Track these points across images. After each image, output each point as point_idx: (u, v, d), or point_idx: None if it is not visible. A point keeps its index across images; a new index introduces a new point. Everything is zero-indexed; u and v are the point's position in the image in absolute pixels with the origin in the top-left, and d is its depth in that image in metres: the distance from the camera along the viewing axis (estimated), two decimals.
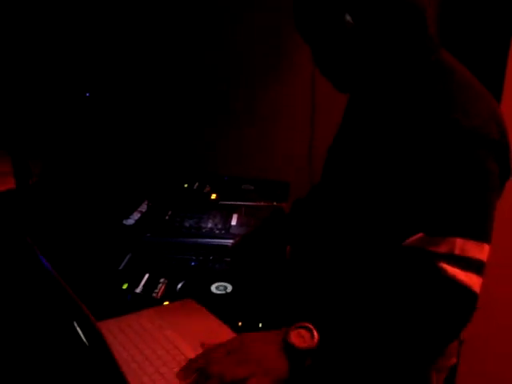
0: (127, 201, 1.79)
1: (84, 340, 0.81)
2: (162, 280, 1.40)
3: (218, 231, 1.64)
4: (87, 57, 1.95)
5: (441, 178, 0.94)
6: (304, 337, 0.92)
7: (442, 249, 0.91)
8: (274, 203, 1.89)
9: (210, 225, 1.67)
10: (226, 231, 1.64)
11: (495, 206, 0.98)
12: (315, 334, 0.91)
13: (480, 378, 2.16)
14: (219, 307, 1.24)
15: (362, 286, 1.06)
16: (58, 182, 1.84)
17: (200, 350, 0.96)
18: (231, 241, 1.58)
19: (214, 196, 1.93)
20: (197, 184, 2.02)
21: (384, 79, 1.07)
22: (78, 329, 0.82)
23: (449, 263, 0.91)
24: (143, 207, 1.77)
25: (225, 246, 1.57)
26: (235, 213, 1.76)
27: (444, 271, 0.91)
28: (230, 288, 1.37)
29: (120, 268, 1.46)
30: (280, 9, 1.92)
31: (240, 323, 1.24)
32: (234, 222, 1.70)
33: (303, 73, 2.15)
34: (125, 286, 1.36)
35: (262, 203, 1.89)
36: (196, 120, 2.30)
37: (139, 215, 1.71)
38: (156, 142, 2.23)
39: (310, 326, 0.92)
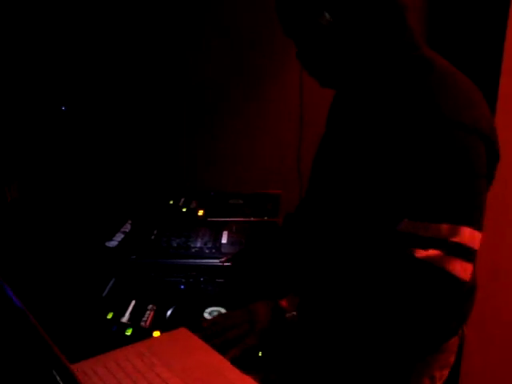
0: (109, 221, 1.67)
1: None
2: (149, 307, 1.29)
3: (207, 250, 1.53)
4: (62, 69, 1.83)
5: (425, 164, 0.95)
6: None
7: (426, 233, 0.93)
8: (265, 218, 1.80)
9: (199, 244, 1.56)
10: (217, 250, 1.53)
11: (484, 194, 1.00)
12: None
13: (482, 378, 2.09)
14: None
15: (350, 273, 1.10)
16: (33, 201, 1.71)
17: None
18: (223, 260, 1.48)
19: (201, 212, 1.82)
20: (182, 200, 1.91)
21: (365, 74, 1.08)
22: (58, 377, 0.71)
23: (434, 247, 0.92)
24: (126, 227, 1.65)
25: (216, 267, 1.46)
26: (225, 230, 1.66)
27: (426, 256, 0.92)
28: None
29: (104, 295, 1.34)
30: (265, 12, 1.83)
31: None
32: (224, 240, 1.59)
33: (291, 82, 2.07)
34: (110, 316, 1.24)
35: (252, 219, 1.79)
36: (179, 132, 2.20)
37: (122, 236, 1.59)
38: (137, 156, 2.12)
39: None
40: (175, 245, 1.55)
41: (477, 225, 0.95)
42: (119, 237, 1.58)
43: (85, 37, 1.93)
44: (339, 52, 1.05)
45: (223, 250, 1.53)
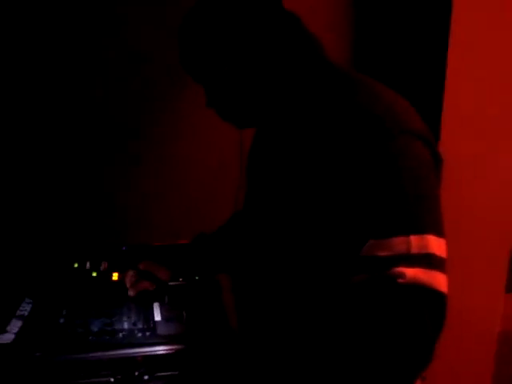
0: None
1: None
2: None
3: (140, 333, 1.17)
4: None
5: (374, 178, 0.89)
6: None
7: (394, 250, 0.85)
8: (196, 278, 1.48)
9: (126, 325, 1.20)
10: (152, 333, 1.18)
11: (439, 199, 0.93)
12: None
13: None
14: None
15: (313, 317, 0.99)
16: None
17: None
18: (162, 347, 1.13)
19: (115, 276, 1.45)
20: (89, 262, 1.51)
21: (285, 102, 1.04)
22: None
23: (407, 265, 0.84)
24: (24, 309, 1.22)
25: (154, 357, 1.12)
26: (155, 301, 1.31)
27: (402, 275, 0.83)
28: None
29: None
30: None
31: None
32: (158, 317, 1.24)
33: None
34: None
35: (180, 280, 1.45)
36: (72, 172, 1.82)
37: (20, 324, 1.17)
38: (24, 207, 1.69)
39: None
40: (96, 329, 1.17)
41: (440, 232, 0.89)
42: (15, 325, 1.16)
43: None
44: (249, 86, 1.03)
45: (159, 332, 1.19)
